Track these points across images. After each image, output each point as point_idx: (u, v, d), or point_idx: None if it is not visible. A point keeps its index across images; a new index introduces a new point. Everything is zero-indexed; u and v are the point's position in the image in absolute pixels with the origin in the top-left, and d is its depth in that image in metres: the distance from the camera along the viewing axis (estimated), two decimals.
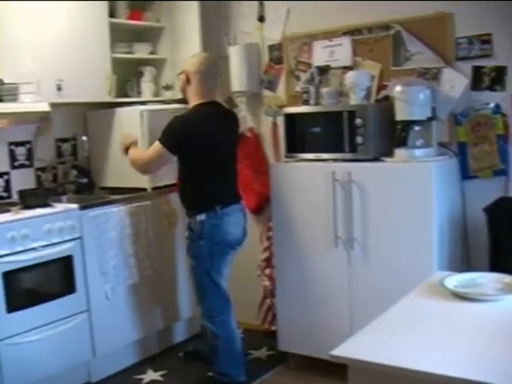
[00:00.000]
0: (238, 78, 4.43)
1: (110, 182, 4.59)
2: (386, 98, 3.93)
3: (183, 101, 4.02)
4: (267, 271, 4.46)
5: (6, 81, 3.82)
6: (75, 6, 4.18)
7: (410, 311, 2.24)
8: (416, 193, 3.46)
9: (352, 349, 1.91)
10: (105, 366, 4.11)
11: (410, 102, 3.59)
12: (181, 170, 3.83)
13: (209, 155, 3.68)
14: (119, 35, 4.56)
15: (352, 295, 3.71)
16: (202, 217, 3.68)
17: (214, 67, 3.85)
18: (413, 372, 1.74)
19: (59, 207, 3.90)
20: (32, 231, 3.62)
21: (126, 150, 3.97)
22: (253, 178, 4.52)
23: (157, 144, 3.70)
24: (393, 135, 3.66)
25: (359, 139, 3.62)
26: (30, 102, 3.89)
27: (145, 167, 3.88)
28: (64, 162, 4.62)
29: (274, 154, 4.48)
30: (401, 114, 3.62)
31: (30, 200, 3.92)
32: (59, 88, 4.07)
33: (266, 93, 4.53)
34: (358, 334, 2.04)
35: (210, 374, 3.95)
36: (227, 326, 3.83)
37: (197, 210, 3.71)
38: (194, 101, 3.78)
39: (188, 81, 3.78)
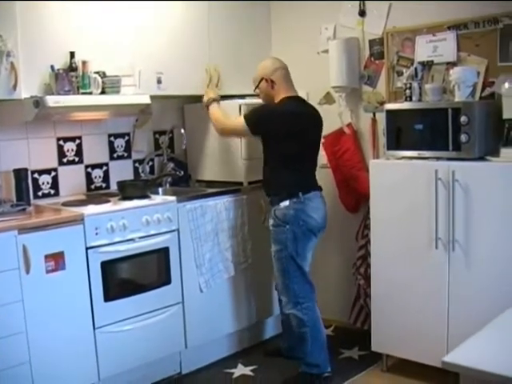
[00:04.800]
0: (337, 72, 4.35)
1: (206, 176, 4.64)
2: (492, 95, 3.78)
3: None
4: (362, 270, 4.39)
5: (108, 73, 3.87)
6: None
7: None
8: None
9: (465, 356, 1.82)
10: (196, 358, 4.15)
11: None
12: (266, 159, 3.94)
13: (295, 145, 3.79)
14: None
15: (451, 299, 3.58)
16: (286, 203, 3.79)
17: (285, 65, 3.96)
18: None
19: (157, 199, 3.94)
20: (130, 222, 3.68)
21: (207, 106, 4.18)
22: (350, 175, 4.46)
23: (241, 120, 3.88)
24: (499, 134, 3.53)
25: (464, 137, 3.49)
26: (131, 95, 3.95)
27: (222, 132, 4.11)
28: (161, 154, 4.68)
29: (373, 150, 4.39)
30: (509, 112, 3.48)
31: (128, 191, 3.99)
32: (159, 81, 4.14)
33: (366, 88, 4.44)
34: (469, 340, 1.96)
35: (300, 370, 3.92)
36: (313, 312, 3.89)
37: (281, 197, 3.82)
38: (279, 97, 3.89)
39: (272, 84, 3.88)
